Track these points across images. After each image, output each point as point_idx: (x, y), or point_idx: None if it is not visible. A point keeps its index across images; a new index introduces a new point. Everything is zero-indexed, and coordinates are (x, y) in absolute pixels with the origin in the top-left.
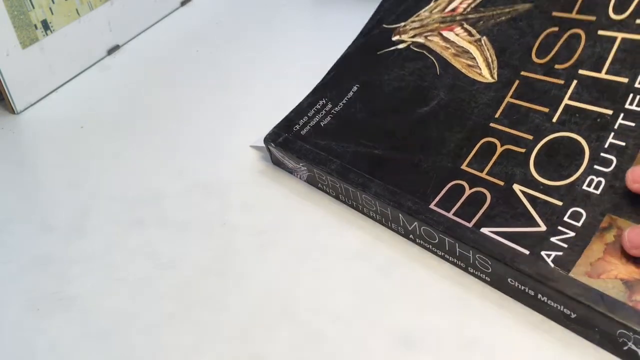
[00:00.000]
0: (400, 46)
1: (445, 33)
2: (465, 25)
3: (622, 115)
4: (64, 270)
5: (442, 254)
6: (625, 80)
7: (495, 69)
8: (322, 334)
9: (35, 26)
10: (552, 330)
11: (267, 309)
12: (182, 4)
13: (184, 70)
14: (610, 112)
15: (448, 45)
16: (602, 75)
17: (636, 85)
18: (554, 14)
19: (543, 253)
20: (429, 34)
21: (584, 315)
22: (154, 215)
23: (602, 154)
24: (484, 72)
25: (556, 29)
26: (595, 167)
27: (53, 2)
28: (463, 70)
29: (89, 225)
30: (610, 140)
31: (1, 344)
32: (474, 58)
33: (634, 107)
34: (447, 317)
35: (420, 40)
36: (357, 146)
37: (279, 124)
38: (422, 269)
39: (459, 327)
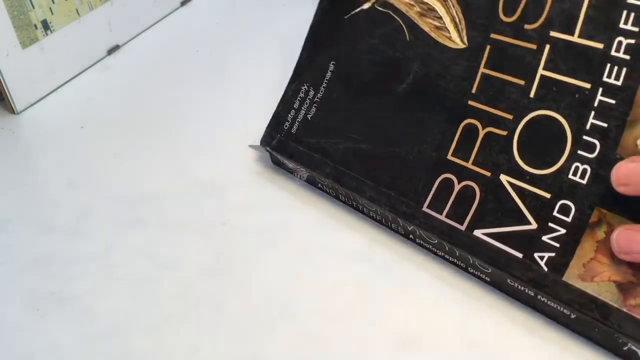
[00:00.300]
0: (365, 6)
1: None
2: None
3: (600, 90)
4: (64, 270)
5: (442, 254)
6: (600, 45)
7: (464, 31)
8: (322, 334)
9: (35, 26)
10: (552, 330)
11: (267, 309)
12: (182, 4)
13: (184, 70)
14: (588, 85)
15: (412, 3)
16: (575, 38)
17: (612, 53)
18: None
19: (536, 255)
20: None
21: (582, 316)
22: (154, 215)
23: (584, 137)
24: (453, 35)
25: None
26: (579, 152)
27: (53, 2)
28: (432, 34)
29: (89, 225)
30: (591, 120)
31: (1, 344)
32: (441, 17)
33: (612, 81)
34: (447, 317)
35: None
36: (346, 141)
37: (270, 122)
38: (422, 269)
39: (460, 327)
